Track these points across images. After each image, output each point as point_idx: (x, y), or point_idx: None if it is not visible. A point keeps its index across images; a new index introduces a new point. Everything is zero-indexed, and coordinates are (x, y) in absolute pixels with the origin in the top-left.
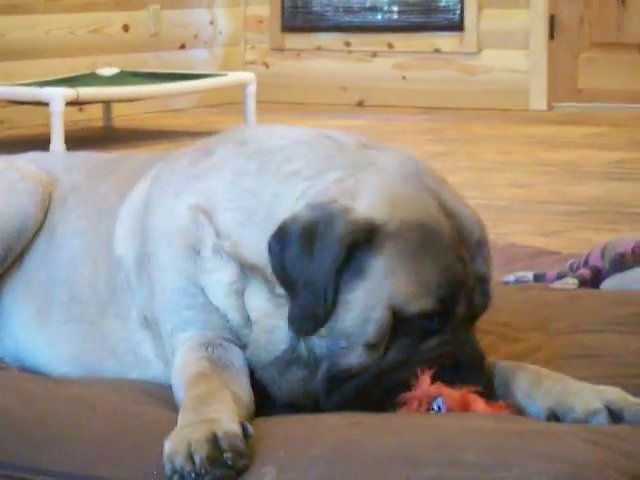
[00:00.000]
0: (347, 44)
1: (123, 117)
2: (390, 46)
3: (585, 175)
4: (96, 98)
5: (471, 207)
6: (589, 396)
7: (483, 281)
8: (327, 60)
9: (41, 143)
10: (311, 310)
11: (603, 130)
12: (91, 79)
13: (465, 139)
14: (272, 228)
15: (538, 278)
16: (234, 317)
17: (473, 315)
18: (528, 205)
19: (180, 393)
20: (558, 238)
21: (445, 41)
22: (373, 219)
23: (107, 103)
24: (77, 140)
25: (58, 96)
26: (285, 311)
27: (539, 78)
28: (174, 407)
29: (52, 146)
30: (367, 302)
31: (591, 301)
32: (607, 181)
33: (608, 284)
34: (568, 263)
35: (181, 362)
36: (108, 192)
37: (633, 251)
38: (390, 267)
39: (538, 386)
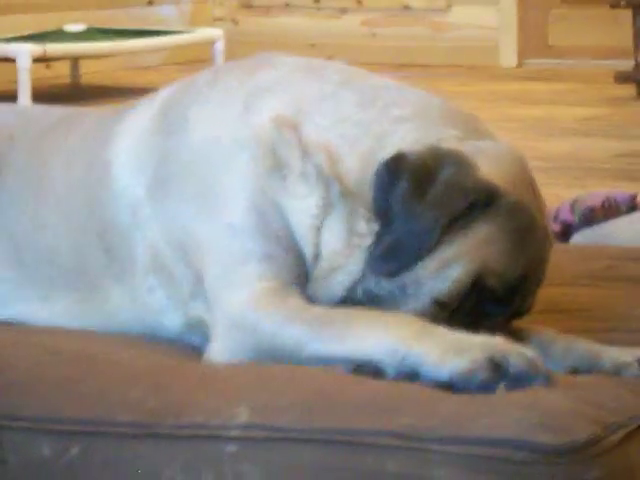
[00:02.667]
0: (316, 1)
1: (91, 74)
2: (359, 2)
3: (555, 131)
4: (63, 54)
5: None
6: (616, 351)
7: (539, 284)
8: (296, 17)
9: (8, 100)
10: (402, 251)
11: (573, 86)
12: (58, 35)
13: (435, 96)
14: (377, 163)
15: None
16: (309, 252)
17: (516, 313)
18: None
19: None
20: None
21: None
22: (496, 185)
23: (75, 60)
24: (44, 97)
25: (25, 52)
26: (355, 253)
27: (509, 35)
28: (147, 352)
29: (19, 103)
30: (456, 260)
31: (561, 255)
32: (576, 137)
33: (578, 238)
34: None
35: (272, 306)
36: (88, 126)
37: (603, 205)
38: (493, 237)
39: (553, 344)
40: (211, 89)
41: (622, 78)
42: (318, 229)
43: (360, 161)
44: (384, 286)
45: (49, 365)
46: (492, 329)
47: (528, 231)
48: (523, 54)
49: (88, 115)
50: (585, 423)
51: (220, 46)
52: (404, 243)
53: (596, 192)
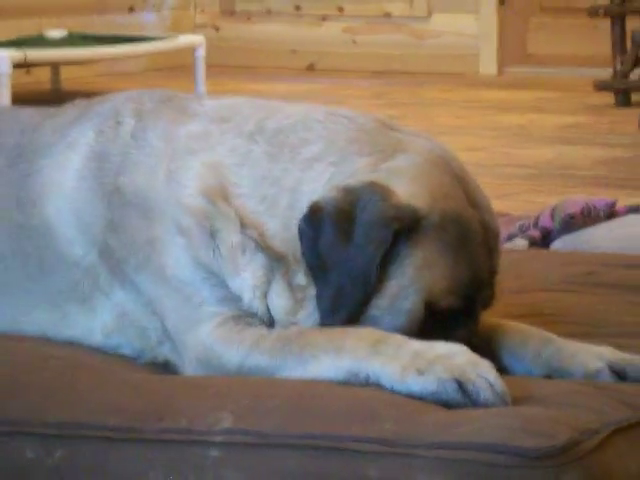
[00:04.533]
0: (297, 8)
1: (71, 80)
2: (340, 10)
3: (535, 139)
4: (44, 60)
5: (486, 194)
6: (587, 357)
7: (495, 275)
8: (277, 24)
9: None
10: (346, 299)
11: (552, 95)
12: (39, 41)
13: (416, 103)
14: (298, 217)
15: None
16: (260, 317)
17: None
18: (479, 168)
19: (258, 359)
20: (509, 200)
21: (395, 5)
22: (416, 208)
23: (55, 66)
24: (24, 103)
25: (5, 58)
26: (304, 306)
27: (489, 42)
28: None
29: None
30: (402, 292)
31: (541, 261)
32: (557, 145)
33: (558, 245)
34: (518, 224)
35: (228, 334)
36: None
37: (582, 212)
38: (429, 259)
39: (525, 347)
40: (138, 150)
41: (601, 86)
42: (264, 297)
43: (282, 221)
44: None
45: (34, 370)
46: (469, 333)
47: (462, 236)
48: (503, 62)
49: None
50: (564, 428)
51: (201, 53)
52: (345, 290)
53: (576, 199)
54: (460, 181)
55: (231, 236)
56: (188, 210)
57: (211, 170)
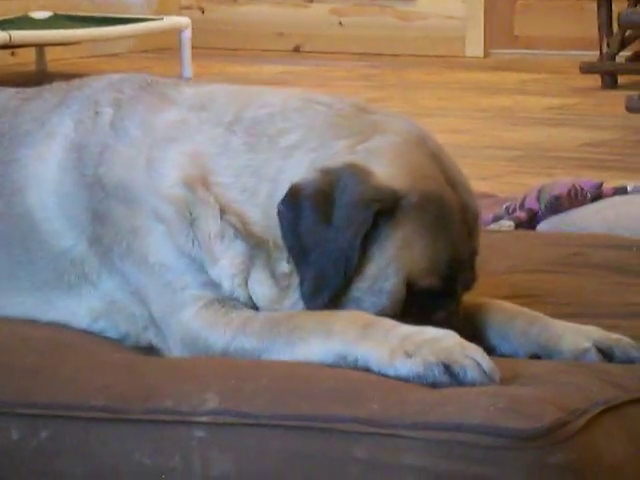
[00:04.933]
0: None
1: (57, 61)
2: None
3: (521, 121)
4: (29, 41)
5: (464, 174)
6: (574, 336)
7: (474, 255)
8: (264, 5)
9: None
10: (327, 280)
11: (539, 77)
12: (24, 22)
13: (402, 85)
14: (277, 206)
15: None
16: (243, 302)
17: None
18: (465, 150)
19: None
20: (495, 182)
21: None
22: (395, 189)
23: (40, 47)
24: (9, 84)
25: None
26: (288, 294)
27: (476, 25)
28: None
29: None
30: (382, 273)
31: (527, 242)
32: (543, 126)
33: (544, 226)
34: (504, 206)
35: (213, 318)
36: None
37: (569, 194)
38: (408, 240)
39: (512, 326)
40: (116, 140)
41: (587, 68)
42: (245, 285)
43: (263, 210)
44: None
45: (19, 351)
46: (449, 315)
47: (442, 217)
48: (489, 44)
49: None
50: (550, 409)
51: (187, 34)
52: (326, 272)
53: (562, 180)
54: (438, 161)
55: (210, 224)
56: (167, 198)
57: (190, 159)
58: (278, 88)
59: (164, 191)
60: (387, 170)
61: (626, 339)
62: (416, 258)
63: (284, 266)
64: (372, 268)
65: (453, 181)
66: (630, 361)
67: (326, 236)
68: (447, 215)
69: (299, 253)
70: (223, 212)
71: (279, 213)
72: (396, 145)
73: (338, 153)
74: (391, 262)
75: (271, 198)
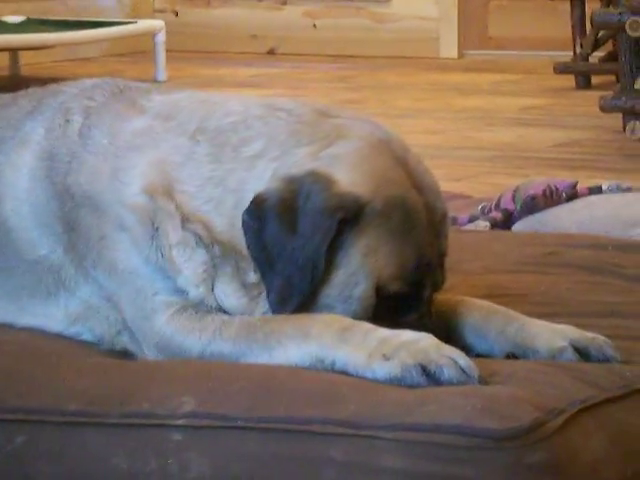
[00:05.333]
0: None
1: (30, 65)
2: None
3: (496, 121)
4: (2, 46)
5: (432, 175)
6: (551, 335)
7: (443, 257)
8: (237, 8)
9: None
10: (294, 290)
11: (513, 77)
12: None
13: (377, 87)
14: (250, 215)
15: (450, 221)
16: (214, 307)
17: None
18: (440, 151)
19: (219, 346)
20: (470, 183)
21: None
22: (358, 195)
23: (14, 51)
24: None
25: None
26: (259, 303)
27: (450, 26)
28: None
29: None
30: (350, 280)
31: (503, 242)
32: (517, 127)
33: (519, 226)
34: (480, 206)
35: (187, 323)
36: None
37: (544, 194)
38: (374, 246)
39: (488, 324)
40: (83, 149)
41: (561, 69)
42: (211, 293)
43: (228, 220)
44: None
45: None
46: (420, 317)
47: (407, 221)
48: (463, 45)
49: None
50: (527, 408)
51: (161, 37)
52: (293, 281)
53: (537, 180)
54: (403, 164)
55: (170, 233)
56: (130, 207)
57: (154, 167)
58: (251, 91)
59: (127, 200)
60: (350, 176)
61: (601, 338)
62: (383, 264)
63: (252, 276)
64: (340, 275)
65: (419, 183)
66: (606, 360)
67: (291, 245)
68: (412, 219)
69: (265, 263)
70: (187, 221)
71: (244, 224)
72: (359, 150)
73: (301, 161)
74: (358, 269)
75: (236, 209)
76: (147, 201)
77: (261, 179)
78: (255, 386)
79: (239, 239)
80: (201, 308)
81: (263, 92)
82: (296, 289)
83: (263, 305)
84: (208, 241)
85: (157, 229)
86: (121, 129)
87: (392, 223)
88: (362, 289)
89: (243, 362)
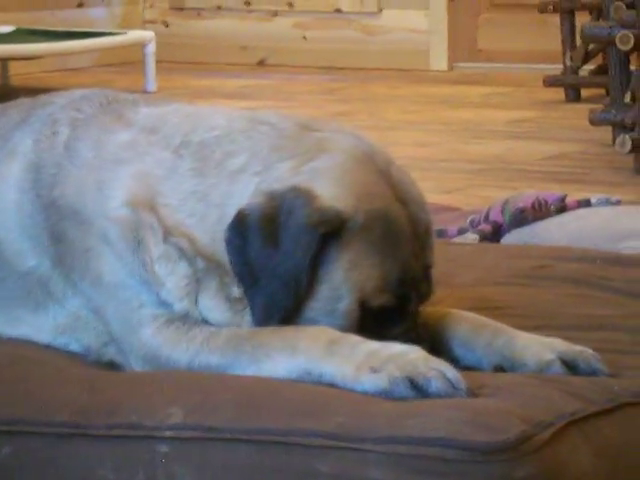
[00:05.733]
0: (247, 3)
1: (20, 76)
2: (290, 5)
3: (485, 134)
4: None
5: (417, 186)
6: (539, 348)
7: (429, 269)
8: (227, 19)
9: None
10: (278, 305)
11: (503, 90)
12: None
13: (367, 99)
14: (233, 230)
15: (439, 234)
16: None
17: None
18: (429, 163)
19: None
20: (459, 195)
21: (345, 1)
22: (340, 210)
23: (3, 61)
24: None
25: None
26: (244, 317)
27: (439, 38)
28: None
29: None
30: (334, 294)
31: (493, 255)
32: (507, 140)
33: (508, 239)
34: (469, 219)
35: (174, 335)
36: None
37: (533, 206)
38: (357, 260)
39: (476, 336)
40: (69, 161)
41: (551, 82)
42: (195, 306)
43: (211, 235)
44: None
45: None
46: (407, 330)
47: (390, 234)
48: (453, 58)
49: None
50: (515, 422)
51: (151, 48)
52: (276, 297)
53: (526, 193)
54: (386, 176)
55: (153, 247)
56: (113, 220)
57: (137, 181)
58: (240, 102)
59: (110, 213)
60: (331, 190)
61: (589, 351)
62: (366, 277)
63: (236, 290)
64: (323, 290)
65: (402, 196)
66: (593, 373)
67: (274, 261)
68: (395, 232)
69: (247, 278)
70: (169, 234)
71: (226, 240)
72: (341, 164)
73: (283, 175)
74: (342, 284)
75: (219, 223)
76: (130, 214)
77: (244, 194)
78: (242, 398)
79: (222, 254)
80: (188, 321)
81: (252, 103)
82: (279, 304)
83: (248, 319)
84: (191, 255)
85: (139, 242)
86: (107, 142)
87: (374, 236)
88: (346, 303)
89: (231, 374)
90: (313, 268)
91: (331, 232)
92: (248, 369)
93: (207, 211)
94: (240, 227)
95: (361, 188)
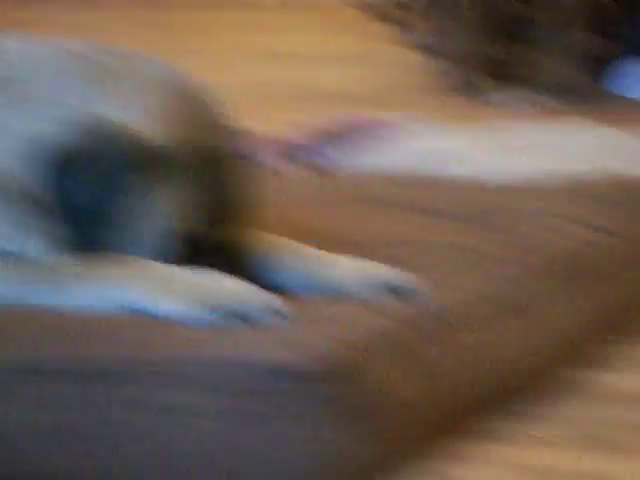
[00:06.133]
0: None
1: None
2: None
3: (290, 60)
4: None
5: (223, 116)
6: (357, 273)
7: (236, 198)
8: None
9: None
10: (89, 237)
11: (301, 15)
12: None
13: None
14: (34, 161)
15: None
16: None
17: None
18: (231, 90)
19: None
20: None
21: None
22: (144, 139)
23: None
24: None
25: None
26: (65, 251)
27: None
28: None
29: None
30: (142, 225)
31: (321, 185)
32: (311, 65)
33: (338, 166)
34: (293, 148)
35: None
36: None
37: (356, 133)
38: (163, 191)
39: (296, 263)
40: None
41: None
42: (22, 248)
43: (22, 169)
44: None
45: None
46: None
47: (193, 163)
48: None
49: None
50: (328, 342)
51: None
52: (87, 229)
53: (347, 119)
54: (189, 105)
55: None
56: None
57: None
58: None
59: None
60: (138, 121)
61: (405, 273)
62: (171, 207)
63: (57, 226)
64: (132, 221)
65: (206, 126)
66: (409, 294)
67: (84, 193)
68: (199, 162)
69: (59, 212)
70: None
71: (38, 173)
72: (146, 92)
73: (88, 105)
74: (148, 214)
75: (28, 157)
76: None
77: (50, 126)
78: (42, 328)
79: (38, 188)
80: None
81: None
82: (90, 237)
83: (69, 254)
84: (9, 194)
85: None
86: None
87: (178, 167)
88: (154, 234)
89: (34, 305)
90: (119, 200)
91: (135, 162)
92: (49, 300)
93: (12, 144)
94: (50, 159)
95: (169, 118)
